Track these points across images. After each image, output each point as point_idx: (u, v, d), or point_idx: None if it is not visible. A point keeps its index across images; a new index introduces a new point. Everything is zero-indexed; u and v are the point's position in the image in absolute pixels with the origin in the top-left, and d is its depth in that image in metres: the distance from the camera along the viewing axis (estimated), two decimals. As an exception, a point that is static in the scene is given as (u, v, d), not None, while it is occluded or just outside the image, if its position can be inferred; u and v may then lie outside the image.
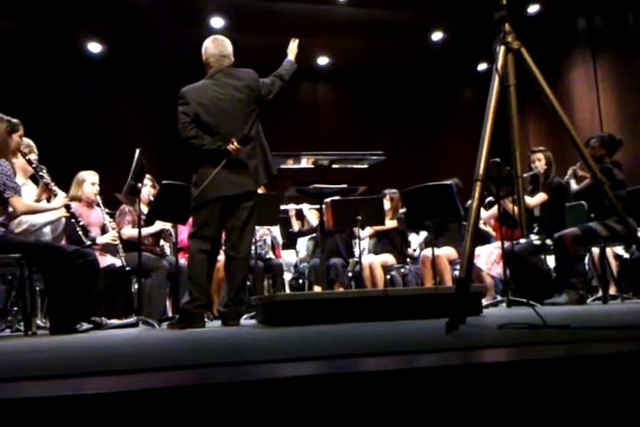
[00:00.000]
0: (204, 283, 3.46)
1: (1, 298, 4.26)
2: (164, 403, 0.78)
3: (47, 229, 3.93)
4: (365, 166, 4.03)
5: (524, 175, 4.70)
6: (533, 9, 8.10)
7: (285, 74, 3.72)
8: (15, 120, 3.58)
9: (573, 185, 4.69)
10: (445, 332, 1.65)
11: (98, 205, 4.47)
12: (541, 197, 4.69)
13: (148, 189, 4.81)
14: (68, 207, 3.75)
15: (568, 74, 8.41)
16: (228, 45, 3.62)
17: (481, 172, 1.85)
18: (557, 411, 0.87)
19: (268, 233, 5.88)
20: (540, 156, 4.80)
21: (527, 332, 1.58)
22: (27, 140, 3.94)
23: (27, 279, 3.57)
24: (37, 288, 4.20)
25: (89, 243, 3.84)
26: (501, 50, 1.92)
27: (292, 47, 3.86)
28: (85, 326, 3.43)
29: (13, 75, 7.75)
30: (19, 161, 3.79)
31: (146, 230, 4.56)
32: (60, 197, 3.71)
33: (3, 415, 0.74)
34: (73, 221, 3.88)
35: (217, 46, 3.58)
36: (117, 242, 4.30)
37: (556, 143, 6.92)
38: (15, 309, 4.08)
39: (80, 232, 3.91)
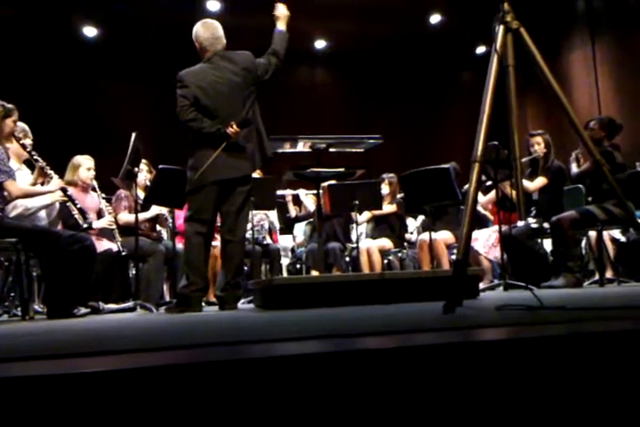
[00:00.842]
0: (201, 266, 3.46)
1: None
2: (160, 381, 0.78)
3: (42, 214, 3.91)
4: (363, 150, 4.01)
5: (524, 160, 4.69)
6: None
7: (280, 49, 3.58)
8: (10, 105, 3.55)
9: (574, 169, 4.65)
10: (443, 313, 1.66)
11: (94, 189, 4.45)
12: (541, 181, 4.68)
13: (144, 174, 4.79)
14: (64, 190, 3.74)
15: (567, 56, 8.35)
16: (219, 28, 3.57)
17: (479, 153, 1.84)
18: (553, 387, 0.87)
19: (265, 218, 5.88)
20: (540, 139, 4.77)
21: (524, 313, 1.59)
22: (21, 125, 3.91)
23: (23, 264, 3.57)
24: (34, 273, 4.20)
25: (85, 226, 3.83)
26: (500, 29, 1.90)
27: (281, 12, 3.60)
28: (83, 310, 3.44)
29: (8, 60, 7.66)
30: (13, 146, 3.77)
31: (142, 215, 4.55)
32: (56, 181, 3.69)
33: (4, 393, 0.74)
34: (69, 204, 3.86)
35: (208, 30, 3.54)
36: (114, 226, 4.29)
37: (555, 127, 6.89)
38: (12, 294, 4.07)
39: (77, 215, 3.90)
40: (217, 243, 4.15)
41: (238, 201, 3.49)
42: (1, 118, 3.49)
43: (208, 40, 3.52)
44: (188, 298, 3.40)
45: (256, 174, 5.72)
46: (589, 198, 4.65)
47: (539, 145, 4.77)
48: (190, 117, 3.38)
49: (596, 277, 4.63)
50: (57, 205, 3.95)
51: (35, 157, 3.73)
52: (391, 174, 5.92)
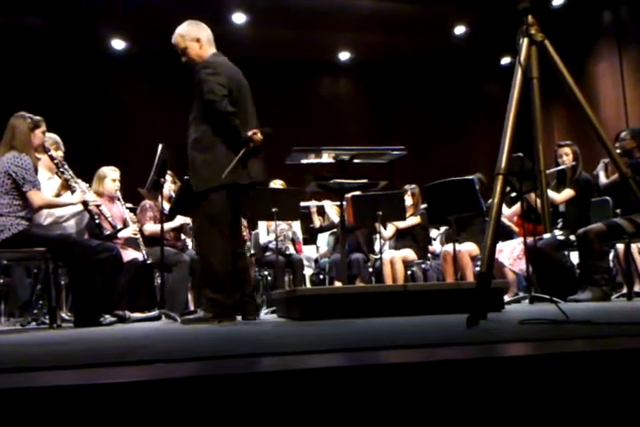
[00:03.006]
0: (232, 276, 3.25)
1: (27, 291, 4.33)
2: (181, 393, 0.79)
3: (72, 222, 3.98)
4: (386, 161, 4.01)
5: (550, 170, 4.63)
6: (558, 1, 7.97)
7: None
8: (37, 117, 3.64)
9: (602, 178, 4.57)
10: (466, 326, 1.64)
11: (118, 199, 4.51)
12: (568, 193, 4.62)
13: (168, 185, 4.84)
14: (85, 204, 3.77)
15: (593, 68, 8.25)
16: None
17: (503, 165, 1.84)
18: (576, 404, 0.86)
19: (288, 228, 5.90)
20: (568, 150, 4.72)
21: (549, 327, 1.57)
22: (54, 137, 4.00)
23: (52, 273, 3.63)
24: (63, 282, 4.27)
25: (108, 233, 3.85)
26: (525, 42, 1.89)
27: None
28: (109, 319, 3.48)
29: (37, 72, 7.86)
30: (45, 157, 3.84)
31: (167, 225, 4.60)
32: (78, 194, 3.74)
33: (30, 403, 0.76)
34: (90, 216, 3.91)
35: (202, 28, 3.36)
36: (138, 236, 4.34)
37: (581, 138, 6.79)
38: (40, 302, 4.15)
39: (104, 223, 3.96)
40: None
41: (239, 211, 3.39)
42: (30, 130, 3.57)
43: (205, 37, 3.33)
44: (231, 308, 3.19)
45: (280, 186, 5.77)
46: (618, 211, 4.58)
47: (567, 156, 4.71)
48: (231, 110, 3.08)
49: (624, 290, 4.55)
50: (87, 213, 4.00)
51: (61, 169, 3.79)
52: (413, 185, 5.90)
